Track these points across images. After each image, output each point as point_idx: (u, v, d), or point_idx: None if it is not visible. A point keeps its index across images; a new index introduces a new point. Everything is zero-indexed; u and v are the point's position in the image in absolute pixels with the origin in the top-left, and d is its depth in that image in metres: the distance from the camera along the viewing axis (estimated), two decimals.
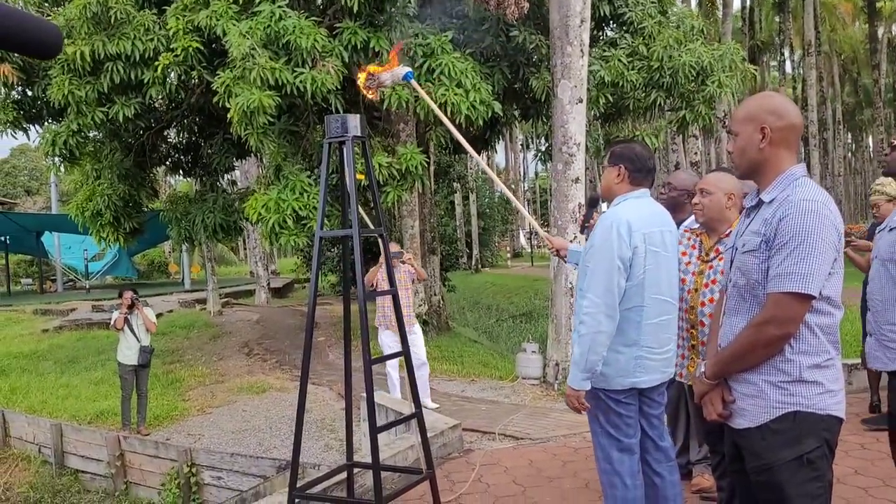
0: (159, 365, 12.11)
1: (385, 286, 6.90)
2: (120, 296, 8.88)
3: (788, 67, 44.34)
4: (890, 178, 3.71)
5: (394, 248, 7.63)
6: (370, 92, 3.76)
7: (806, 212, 2.13)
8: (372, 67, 3.72)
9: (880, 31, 33.68)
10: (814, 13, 27.52)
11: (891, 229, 3.00)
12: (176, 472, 7.80)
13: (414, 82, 3.64)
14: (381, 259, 4.09)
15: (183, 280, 25.13)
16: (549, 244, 3.76)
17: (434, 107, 4.07)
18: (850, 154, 53.34)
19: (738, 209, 3.40)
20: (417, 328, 7.62)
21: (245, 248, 36.62)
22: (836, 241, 2.15)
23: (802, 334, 2.18)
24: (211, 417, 9.22)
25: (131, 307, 8.67)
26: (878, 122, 32.52)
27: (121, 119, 9.32)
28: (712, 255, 3.39)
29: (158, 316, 17.28)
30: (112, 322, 8.77)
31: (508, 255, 42.85)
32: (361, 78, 3.72)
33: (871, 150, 50.86)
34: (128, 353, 8.67)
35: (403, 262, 7.42)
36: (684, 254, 3.52)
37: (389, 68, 3.67)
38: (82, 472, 8.76)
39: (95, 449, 8.58)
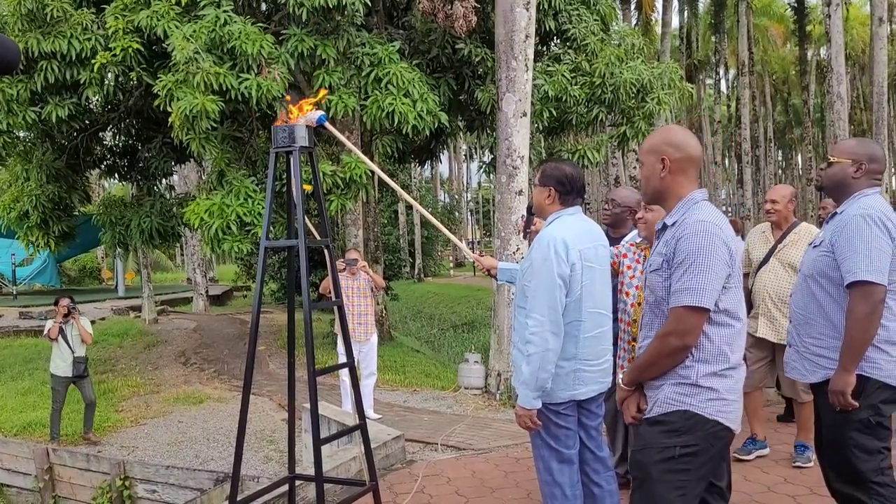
0: (91, 375, 11.71)
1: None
2: (56, 304, 8.56)
3: (724, 86, 45.82)
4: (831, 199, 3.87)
5: (353, 255, 7.60)
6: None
7: (698, 232, 2.36)
8: (288, 114, 3.70)
9: (809, 54, 35.10)
10: (748, 34, 28.53)
11: (814, 246, 3.12)
12: (108, 486, 7.55)
13: (328, 125, 3.66)
14: (337, 266, 4.07)
15: (116, 286, 24.38)
16: (478, 264, 3.81)
17: (357, 151, 4.22)
18: (780, 171, 55.33)
19: None
20: (375, 338, 7.61)
21: (182, 255, 35.81)
22: (727, 258, 2.36)
23: (702, 344, 2.39)
24: (145, 429, 8.97)
25: (66, 316, 8.35)
26: (807, 141, 33.84)
27: (54, 120, 9.03)
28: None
29: (91, 323, 16.85)
30: (45, 332, 8.43)
31: (451, 264, 43.01)
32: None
33: (800, 167, 52.88)
34: (62, 364, 8.37)
35: (353, 274, 7.37)
36: (629, 267, 3.60)
37: (303, 114, 3.66)
38: (7, 486, 8.40)
39: (22, 462, 8.24)
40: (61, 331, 8.30)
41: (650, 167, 2.55)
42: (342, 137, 4.04)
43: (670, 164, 2.50)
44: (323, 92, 4.00)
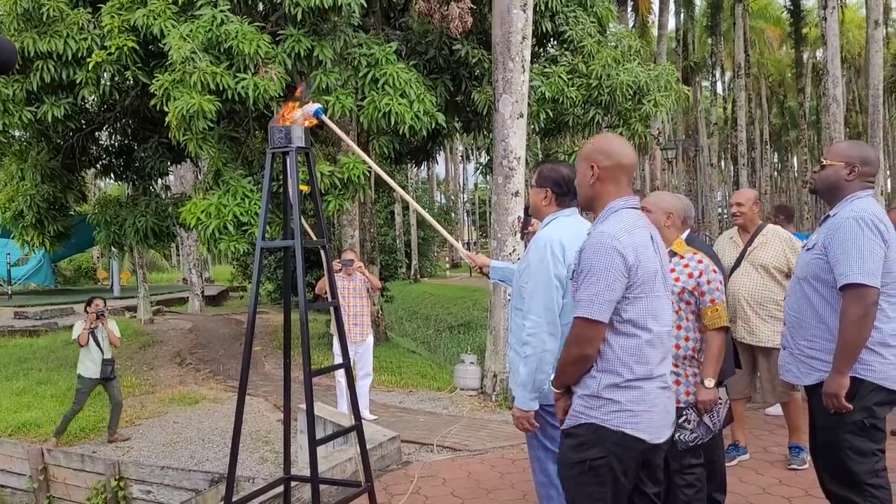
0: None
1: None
2: (88, 304, 8.44)
3: (720, 88, 45.96)
4: None
5: (349, 255, 7.61)
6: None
7: (594, 244, 2.40)
8: (285, 110, 3.71)
9: (805, 56, 35.22)
10: (744, 37, 28.60)
11: (808, 249, 3.13)
12: (102, 486, 7.53)
13: (325, 117, 3.67)
14: (333, 267, 4.07)
15: (112, 286, 24.33)
16: (470, 262, 3.81)
17: (353, 146, 4.20)
18: (776, 173, 55.48)
19: (678, 229, 3.51)
20: (371, 338, 7.62)
21: (178, 255, 35.75)
22: (622, 270, 2.35)
23: (605, 354, 2.41)
24: (140, 429, 8.94)
25: (98, 318, 8.23)
26: (803, 143, 33.95)
27: (50, 119, 9.00)
28: None
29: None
30: (75, 336, 8.30)
31: (447, 265, 43.01)
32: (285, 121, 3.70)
33: (795, 169, 53.01)
34: (91, 366, 8.26)
35: (350, 275, 7.37)
36: None
37: (297, 107, 3.67)
38: (2, 486, 8.37)
39: (17, 462, 8.21)
40: (92, 334, 8.19)
41: (582, 174, 2.59)
42: (338, 130, 4.03)
43: (599, 171, 2.52)
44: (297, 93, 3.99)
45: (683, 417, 3.32)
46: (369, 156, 10.32)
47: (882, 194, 19.60)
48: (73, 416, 8.48)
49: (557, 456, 2.62)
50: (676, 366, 3.34)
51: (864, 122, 28.06)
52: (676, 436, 3.31)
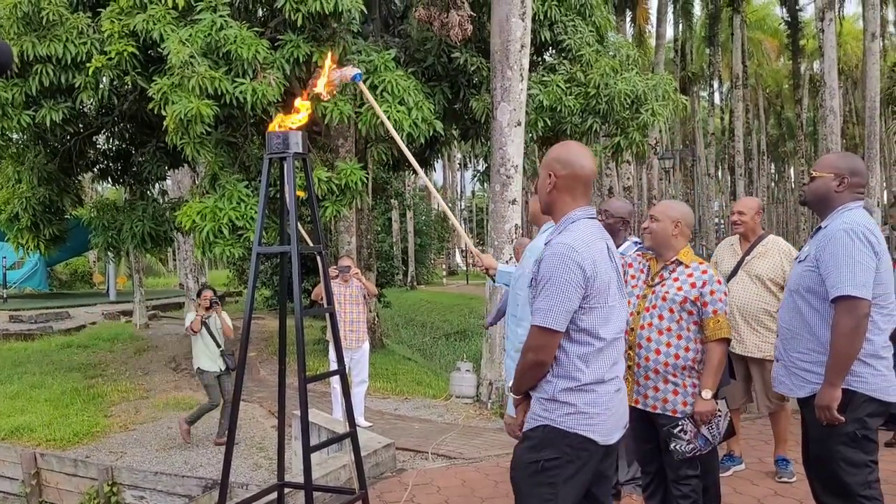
0: (80, 379, 11.66)
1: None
2: (198, 295, 8.18)
3: (717, 99, 46.10)
4: None
5: (345, 262, 7.61)
6: (325, 90, 3.72)
7: (553, 255, 2.42)
8: (324, 70, 3.69)
9: (803, 68, 35.34)
10: (742, 48, 28.74)
11: (800, 261, 3.12)
12: (95, 492, 7.49)
13: (361, 84, 3.65)
14: (329, 273, 4.07)
15: (108, 291, 24.27)
16: (478, 260, 3.81)
17: (379, 111, 4.05)
18: (773, 183, 55.63)
19: (686, 238, 3.50)
20: (367, 345, 7.61)
21: (174, 260, 35.69)
22: (580, 281, 2.39)
23: (561, 360, 2.46)
24: (134, 434, 8.90)
25: (209, 308, 7.90)
26: (800, 154, 34.04)
27: (48, 123, 9.00)
28: (656, 280, 3.48)
29: (81, 328, 16.78)
30: (187, 325, 7.98)
31: (444, 272, 43.00)
32: (321, 81, 3.67)
33: (792, 180, 53.15)
34: (207, 360, 7.92)
35: (346, 281, 7.37)
36: (633, 276, 3.62)
37: (336, 70, 3.65)
38: None
39: (9, 467, 8.16)
40: (204, 324, 7.87)
41: (541, 181, 2.62)
42: (372, 101, 3.95)
43: (556, 179, 2.55)
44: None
45: (679, 427, 3.31)
46: (367, 163, 10.33)
47: (878, 205, 19.65)
48: (209, 410, 8.15)
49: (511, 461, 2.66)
50: (675, 375, 3.33)
51: (861, 133, 28.17)
52: (672, 445, 3.30)
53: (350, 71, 3.60)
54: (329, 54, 3.66)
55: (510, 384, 2.69)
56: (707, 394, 3.29)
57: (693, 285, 3.36)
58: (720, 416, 3.37)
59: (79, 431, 8.88)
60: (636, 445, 3.71)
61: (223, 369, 7.98)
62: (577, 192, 2.55)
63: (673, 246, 3.46)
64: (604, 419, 2.47)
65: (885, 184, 38.03)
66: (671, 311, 3.35)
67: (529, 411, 2.56)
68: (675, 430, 3.32)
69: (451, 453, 6.06)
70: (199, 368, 8.07)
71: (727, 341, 3.35)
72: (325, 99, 3.63)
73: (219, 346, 7.96)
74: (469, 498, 4.81)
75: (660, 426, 3.36)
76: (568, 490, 2.45)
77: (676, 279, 3.39)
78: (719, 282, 3.37)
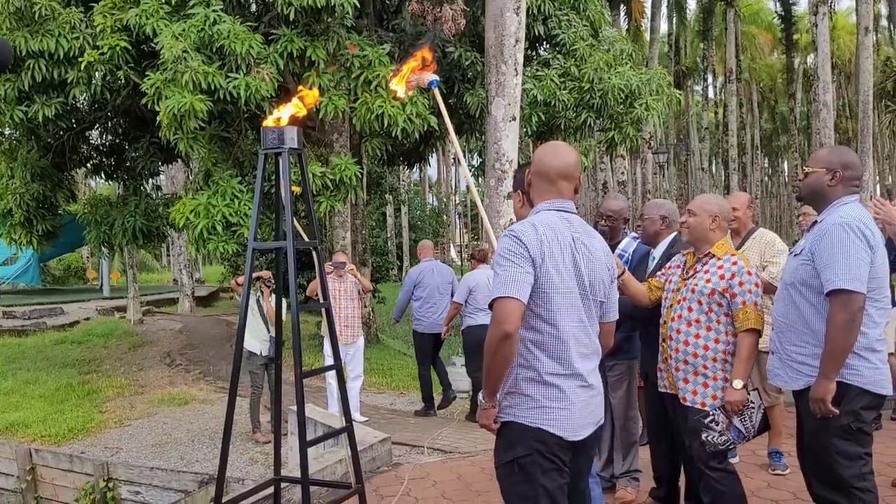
0: (75, 375, 11.64)
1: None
2: (257, 279, 7.84)
3: (711, 93, 46.15)
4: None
5: (340, 257, 7.61)
6: (405, 89, 3.68)
7: (503, 237, 2.51)
8: (406, 68, 3.64)
9: (796, 62, 35.43)
10: (735, 42, 28.76)
11: (795, 255, 3.14)
12: (91, 487, 7.49)
13: (437, 91, 3.60)
14: (325, 269, 4.07)
15: (102, 286, 24.20)
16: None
17: (448, 121, 3.81)
18: (766, 177, 55.77)
19: (723, 231, 3.51)
20: (361, 340, 7.63)
21: (168, 255, 35.60)
22: (525, 253, 2.41)
23: (519, 349, 2.45)
24: (130, 430, 8.90)
25: (260, 284, 7.68)
26: (793, 149, 34.16)
27: (41, 119, 8.97)
28: (690, 273, 3.50)
29: (74, 324, 16.74)
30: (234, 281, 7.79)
31: None
32: (399, 80, 3.63)
33: (786, 174, 53.30)
34: (253, 341, 7.58)
35: (341, 277, 7.37)
36: (668, 267, 3.66)
37: (420, 72, 3.61)
38: None
39: (4, 463, 8.16)
40: (258, 302, 7.69)
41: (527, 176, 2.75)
42: (443, 108, 3.80)
43: (531, 176, 2.68)
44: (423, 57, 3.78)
45: (711, 418, 3.30)
46: (362, 157, 10.32)
47: (871, 199, 19.72)
48: (258, 400, 7.94)
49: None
50: (705, 367, 3.34)
51: (854, 127, 28.26)
52: (704, 436, 3.30)
53: (428, 77, 3.56)
54: (419, 55, 3.56)
55: (481, 394, 2.59)
56: (738, 383, 3.27)
57: (722, 277, 3.36)
58: (753, 407, 3.33)
59: (74, 427, 8.89)
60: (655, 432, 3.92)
61: (270, 357, 7.61)
62: (543, 188, 2.62)
63: (709, 240, 3.47)
64: (568, 414, 2.45)
65: (877, 178, 38.16)
66: (699, 302, 3.37)
67: (499, 406, 2.53)
68: (707, 421, 3.31)
69: (446, 447, 6.08)
70: (249, 351, 7.67)
71: (757, 332, 3.32)
72: (399, 99, 3.57)
73: (268, 329, 7.69)
74: (465, 492, 4.83)
75: (689, 418, 3.38)
76: (547, 485, 2.44)
77: (707, 272, 3.41)
78: (749, 273, 3.35)
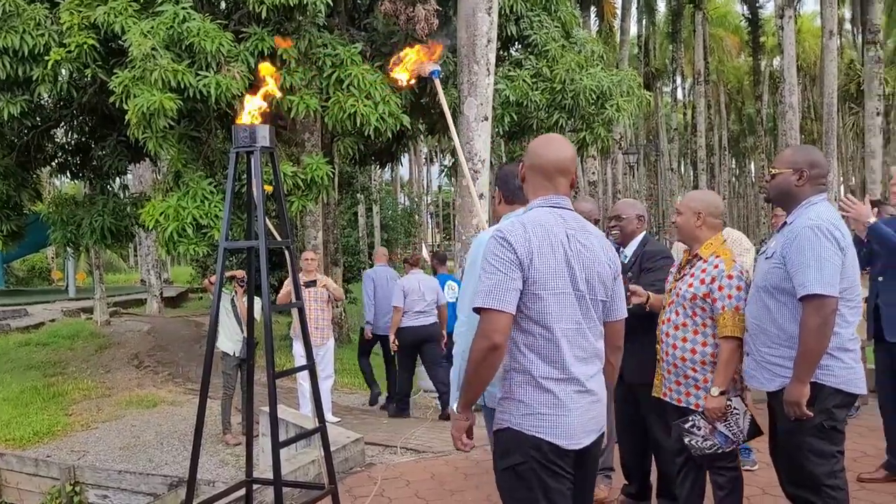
0: (40, 377, 11.43)
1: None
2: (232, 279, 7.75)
3: (680, 94, 46.73)
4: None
5: (308, 255, 7.59)
6: (408, 78, 3.66)
7: (490, 239, 2.39)
8: (411, 57, 3.62)
9: (763, 64, 35.98)
10: (704, 45, 29.12)
11: (767, 257, 3.13)
12: (57, 491, 7.37)
13: (437, 81, 3.58)
14: (297, 268, 4.03)
15: (67, 287, 23.79)
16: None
17: (447, 111, 3.84)
18: (734, 178, 56.54)
19: (714, 228, 3.43)
20: (332, 342, 7.62)
21: (136, 256, 35.09)
22: (513, 258, 2.30)
23: (512, 352, 2.36)
24: (97, 433, 8.76)
25: (235, 281, 7.55)
26: (760, 150, 34.67)
27: (5, 117, 8.78)
28: (681, 274, 3.48)
29: (39, 325, 16.43)
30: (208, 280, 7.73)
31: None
32: (402, 68, 3.61)
33: (752, 175, 54.09)
34: (226, 341, 7.54)
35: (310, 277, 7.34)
36: (674, 265, 3.68)
37: (421, 61, 3.59)
38: None
39: None
40: (232, 302, 7.59)
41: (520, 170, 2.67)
42: (443, 98, 3.79)
43: (524, 170, 2.58)
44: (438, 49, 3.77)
45: (690, 423, 3.28)
46: (333, 157, 10.26)
47: (835, 200, 20.11)
48: (229, 401, 7.83)
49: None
50: (695, 370, 3.32)
51: (819, 129, 28.76)
52: (687, 440, 3.30)
53: (429, 66, 3.55)
54: (418, 48, 3.54)
55: (454, 404, 2.49)
56: (715, 391, 3.22)
57: (703, 281, 3.30)
58: (737, 413, 3.27)
59: (39, 430, 8.72)
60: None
61: (242, 357, 7.53)
62: (538, 183, 2.51)
63: (699, 238, 3.41)
64: (565, 421, 2.34)
65: (841, 178, 38.89)
66: (684, 306, 3.34)
67: (494, 410, 2.44)
68: (686, 426, 3.29)
69: (420, 447, 6.07)
70: (223, 352, 7.67)
71: (736, 339, 3.23)
72: (404, 86, 3.54)
73: (241, 330, 7.55)
74: (438, 491, 4.83)
75: (675, 422, 3.38)
76: (548, 492, 2.35)
77: (693, 274, 3.37)
78: (730, 276, 3.26)
